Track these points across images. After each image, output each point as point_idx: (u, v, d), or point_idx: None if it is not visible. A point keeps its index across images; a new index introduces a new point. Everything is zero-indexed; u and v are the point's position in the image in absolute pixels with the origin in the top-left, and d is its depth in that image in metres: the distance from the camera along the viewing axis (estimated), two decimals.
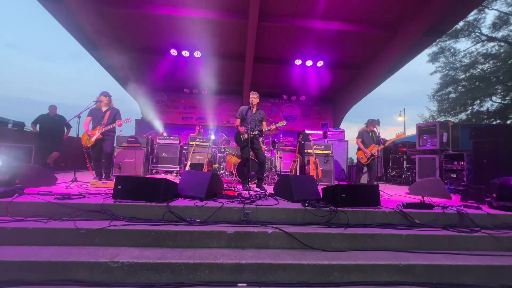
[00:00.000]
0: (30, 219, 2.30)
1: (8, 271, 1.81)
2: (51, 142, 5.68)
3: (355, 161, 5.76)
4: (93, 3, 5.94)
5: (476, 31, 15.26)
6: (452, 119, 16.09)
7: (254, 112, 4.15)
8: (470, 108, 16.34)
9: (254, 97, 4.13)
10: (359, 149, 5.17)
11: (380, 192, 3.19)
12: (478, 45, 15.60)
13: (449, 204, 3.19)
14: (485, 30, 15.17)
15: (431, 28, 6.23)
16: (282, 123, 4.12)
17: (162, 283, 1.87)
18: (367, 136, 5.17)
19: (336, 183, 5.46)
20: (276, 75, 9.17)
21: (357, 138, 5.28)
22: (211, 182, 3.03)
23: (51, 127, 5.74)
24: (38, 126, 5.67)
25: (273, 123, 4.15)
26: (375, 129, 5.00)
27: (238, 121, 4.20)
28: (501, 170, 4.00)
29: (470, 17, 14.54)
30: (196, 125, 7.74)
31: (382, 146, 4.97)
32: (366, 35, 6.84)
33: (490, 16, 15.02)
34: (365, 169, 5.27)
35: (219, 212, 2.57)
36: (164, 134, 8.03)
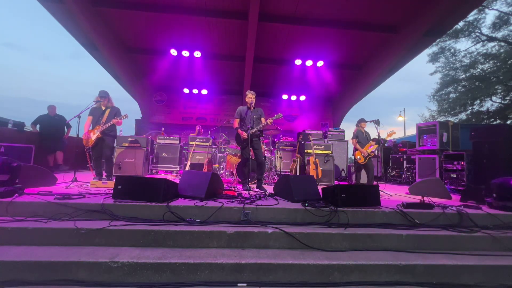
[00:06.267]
0: (30, 219, 2.30)
1: (8, 271, 1.81)
2: (52, 142, 5.69)
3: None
4: (93, 3, 5.94)
5: (476, 31, 15.25)
6: (452, 119, 16.07)
7: (252, 110, 4.17)
8: (470, 108, 16.34)
9: (252, 97, 4.17)
10: (355, 149, 5.18)
11: (380, 192, 3.19)
12: (478, 45, 15.62)
13: (449, 204, 3.19)
14: (485, 30, 15.19)
15: (431, 28, 6.23)
16: (278, 116, 4.11)
17: (162, 283, 1.87)
18: (362, 136, 5.18)
19: (336, 183, 5.46)
20: (276, 75, 9.17)
21: (352, 138, 5.29)
22: (211, 182, 3.03)
23: (52, 127, 5.75)
24: (38, 126, 5.68)
25: (270, 118, 4.13)
26: (376, 127, 4.98)
27: (237, 121, 4.22)
28: (501, 170, 3.99)
29: (470, 17, 14.54)
30: (196, 125, 7.74)
31: (376, 146, 4.96)
32: (366, 35, 6.84)
33: (490, 16, 15.04)
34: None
35: (219, 212, 2.57)
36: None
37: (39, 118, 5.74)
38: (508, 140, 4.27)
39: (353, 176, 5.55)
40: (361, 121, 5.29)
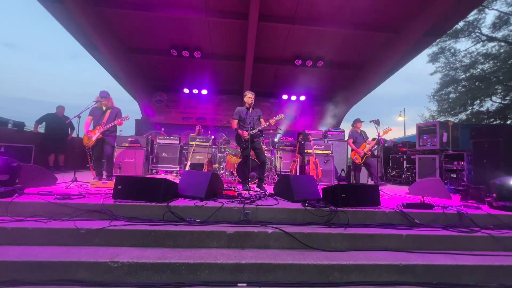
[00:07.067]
0: (30, 219, 2.30)
1: (8, 271, 1.81)
2: (54, 143, 5.67)
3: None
4: (93, 3, 5.94)
5: (476, 31, 15.24)
6: (452, 119, 16.06)
7: (251, 111, 4.16)
8: (470, 108, 16.32)
9: (252, 97, 4.16)
10: (352, 150, 5.18)
11: (380, 192, 3.19)
12: (478, 45, 15.60)
13: (449, 204, 3.19)
14: (485, 30, 15.17)
15: (431, 28, 6.23)
16: (280, 116, 4.08)
17: (162, 283, 1.87)
18: (358, 136, 5.17)
19: (336, 183, 5.46)
20: (276, 75, 9.17)
21: (348, 139, 5.29)
22: (211, 182, 3.03)
23: (57, 127, 5.74)
24: (44, 124, 5.67)
25: (273, 118, 4.09)
26: (376, 127, 4.95)
27: (235, 122, 4.19)
28: (501, 170, 3.99)
29: (470, 17, 14.52)
30: (196, 125, 7.74)
31: (373, 143, 4.93)
32: (366, 35, 6.84)
33: (490, 16, 15.02)
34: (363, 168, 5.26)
35: (219, 212, 2.57)
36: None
37: (45, 116, 5.72)
38: (508, 140, 4.26)
39: (352, 176, 5.55)
40: (356, 121, 5.28)
